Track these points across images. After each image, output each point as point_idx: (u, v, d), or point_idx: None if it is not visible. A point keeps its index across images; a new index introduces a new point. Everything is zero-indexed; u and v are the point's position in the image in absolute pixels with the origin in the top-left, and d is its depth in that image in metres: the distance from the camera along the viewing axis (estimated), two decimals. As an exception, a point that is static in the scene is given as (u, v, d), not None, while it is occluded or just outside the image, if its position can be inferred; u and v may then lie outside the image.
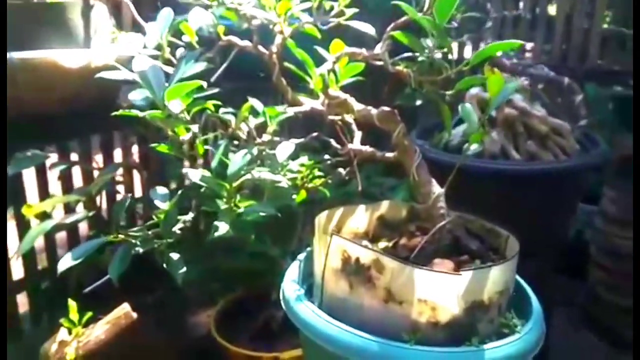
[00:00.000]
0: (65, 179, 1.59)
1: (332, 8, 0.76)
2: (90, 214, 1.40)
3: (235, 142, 0.84)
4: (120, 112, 0.64)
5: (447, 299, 0.57)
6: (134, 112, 0.62)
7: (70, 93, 0.95)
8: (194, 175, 0.67)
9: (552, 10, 2.05)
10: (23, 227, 1.43)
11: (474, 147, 0.73)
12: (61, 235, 1.63)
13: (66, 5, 0.92)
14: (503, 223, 0.74)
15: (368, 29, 0.74)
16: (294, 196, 0.83)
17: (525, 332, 0.61)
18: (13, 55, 0.84)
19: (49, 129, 1.01)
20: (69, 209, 1.54)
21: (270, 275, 1.04)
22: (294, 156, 0.87)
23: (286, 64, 0.88)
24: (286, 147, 0.78)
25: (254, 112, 0.83)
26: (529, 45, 1.91)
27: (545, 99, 1.41)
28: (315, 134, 0.88)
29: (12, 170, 1.34)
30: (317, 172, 0.88)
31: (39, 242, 1.54)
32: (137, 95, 0.65)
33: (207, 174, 0.68)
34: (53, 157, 1.47)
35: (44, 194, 1.57)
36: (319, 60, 0.86)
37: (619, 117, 1.78)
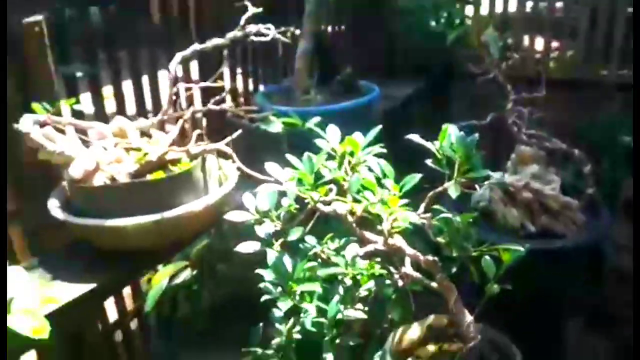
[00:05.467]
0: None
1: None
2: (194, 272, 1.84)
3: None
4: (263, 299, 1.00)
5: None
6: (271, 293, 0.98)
7: (199, 228, 1.31)
8: (307, 322, 1.03)
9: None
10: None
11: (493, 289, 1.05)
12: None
13: (193, 168, 1.26)
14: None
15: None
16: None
17: None
18: (164, 214, 1.19)
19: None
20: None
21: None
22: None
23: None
24: (352, 250, 1.14)
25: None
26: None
27: (558, 170, 1.70)
28: (378, 259, 1.23)
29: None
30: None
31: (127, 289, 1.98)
32: (268, 277, 1.01)
33: (316, 319, 1.03)
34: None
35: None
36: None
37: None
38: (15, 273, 0.97)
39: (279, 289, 1.01)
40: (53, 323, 0.92)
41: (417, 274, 1.15)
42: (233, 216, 1.15)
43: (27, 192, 1.40)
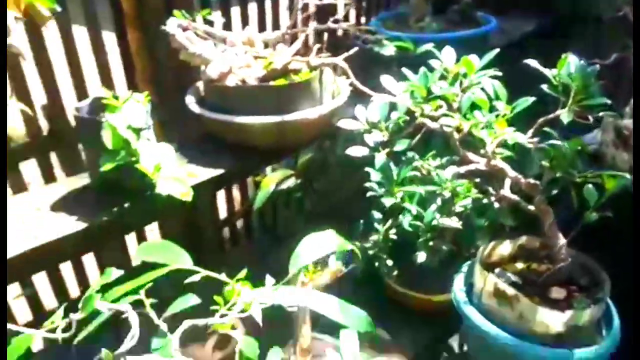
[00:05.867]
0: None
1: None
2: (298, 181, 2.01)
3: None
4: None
5: (557, 323, 0.99)
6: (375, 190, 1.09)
7: (312, 135, 1.44)
8: (405, 222, 1.13)
9: None
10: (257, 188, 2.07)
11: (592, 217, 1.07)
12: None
13: (312, 79, 1.37)
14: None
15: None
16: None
17: (603, 344, 1.01)
18: (285, 117, 1.32)
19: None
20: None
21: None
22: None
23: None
24: (451, 170, 1.21)
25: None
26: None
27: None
28: (478, 179, 1.28)
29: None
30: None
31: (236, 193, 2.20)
32: (375, 177, 1.11)
33: (413, 222, 1.13)
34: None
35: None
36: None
37: None
38: (164, 147, 1.16)
39: (383, 189, 1.12)
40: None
41: (514, 196, 1.20)
42: (345, 124, 1.26)
43: (164, 90, 1.60)
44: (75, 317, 0.62)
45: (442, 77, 1.22)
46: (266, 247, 2.07)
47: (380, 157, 1.13)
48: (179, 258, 0.78)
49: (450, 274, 1.25)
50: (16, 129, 1.52)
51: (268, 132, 1.32)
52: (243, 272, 0.74)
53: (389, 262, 1.19)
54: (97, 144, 1.09)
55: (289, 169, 2.01)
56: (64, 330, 0.65)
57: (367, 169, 1.14)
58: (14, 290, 1.44)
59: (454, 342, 1.39)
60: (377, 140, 1.19)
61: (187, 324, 0.68)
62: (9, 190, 1.31)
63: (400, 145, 1.19)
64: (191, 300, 0.82)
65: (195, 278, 0.76)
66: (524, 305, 1.00)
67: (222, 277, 0.76)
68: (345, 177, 1.93)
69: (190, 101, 1.42)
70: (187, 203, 1.12)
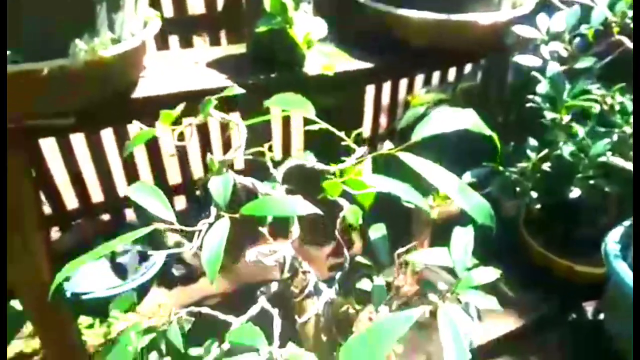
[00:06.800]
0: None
1: None
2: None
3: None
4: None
5: None
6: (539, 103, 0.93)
7: (478, 45, 1.29)
8: (566, 150, 0.96)
9: None
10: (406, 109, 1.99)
11: None
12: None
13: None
14: None
15: None
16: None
17: None
18: (450, 16, 1.20)
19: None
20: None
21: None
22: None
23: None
24: None
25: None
26: None
27: None
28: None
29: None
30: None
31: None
32: (541, 89, 0.95)
33: (576, 152, 0.95)
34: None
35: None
36: None
37: None
38: (319, 23, 1.12)
39: (548, 104, 0.96)
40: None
41: None
42: (520, 30, 1.09)
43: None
44: (194, 121, 0.62)
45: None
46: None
47: (554, 66, 0.96)
48: (304, 107, 0.75)
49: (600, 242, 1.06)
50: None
51: (427, 30, 1.21)
52: (358, 130, 0.69)
53: (534, 194, 1.03)
54: (258, 10, 1.10)
55: (445, 94, 1.87)
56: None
57: (534, 73, 0.98)
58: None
59: (589, 307, 1.20)
60: (554, 50, 1.01)
61: (292, 162, 0.65)
62: (177, 45, 1.41)
63: (583, 63, 1.00)
64: (308, 157, 0.80)
65: (314, 127, 0.73)
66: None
67: (341, 134, 0.72)
68: (507, 114, 1.75)
69: (358, -10, 1.36)
70: (335, 87, 1.09)
